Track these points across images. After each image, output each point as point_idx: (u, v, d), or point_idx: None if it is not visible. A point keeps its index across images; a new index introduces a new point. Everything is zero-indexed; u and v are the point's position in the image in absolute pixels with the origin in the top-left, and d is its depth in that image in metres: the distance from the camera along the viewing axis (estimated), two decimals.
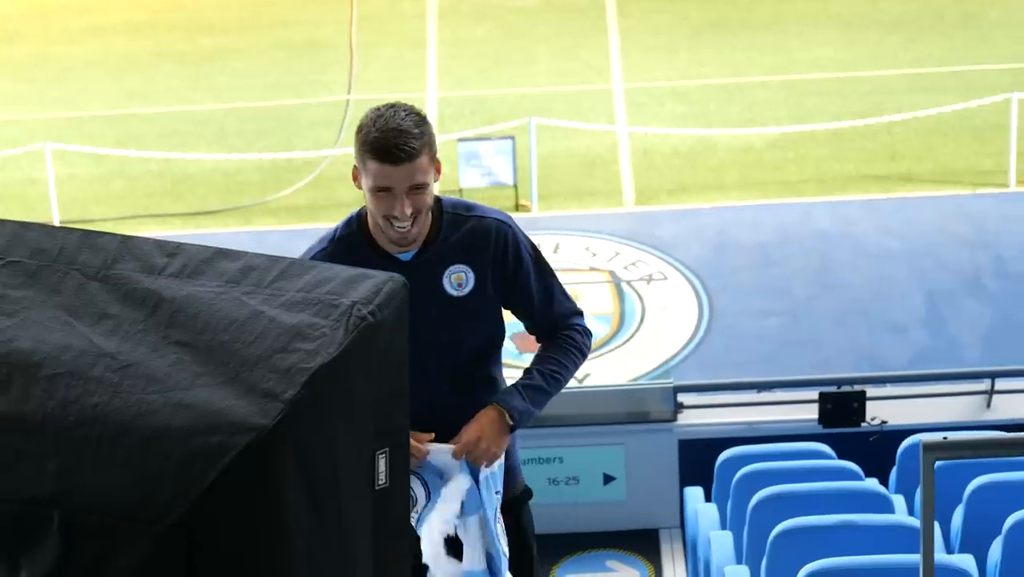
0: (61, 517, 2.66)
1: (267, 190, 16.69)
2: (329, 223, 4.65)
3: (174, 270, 2.87)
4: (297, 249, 4.57)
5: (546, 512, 7.87)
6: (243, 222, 16.02)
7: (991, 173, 16.12)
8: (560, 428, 8.14)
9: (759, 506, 6.07)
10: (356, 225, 4.55)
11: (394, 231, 4.40)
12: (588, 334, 4.73)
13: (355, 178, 4.45)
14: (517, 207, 15.89)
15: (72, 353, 2.75)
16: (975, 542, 5.92)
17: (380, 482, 2.85)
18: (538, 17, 20.93)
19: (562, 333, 4.67)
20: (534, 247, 4.68)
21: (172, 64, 20.04)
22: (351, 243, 4.51)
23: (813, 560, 5.26)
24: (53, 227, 3.02)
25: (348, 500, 2.79)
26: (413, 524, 4.34)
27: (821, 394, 8.11)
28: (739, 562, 6.26)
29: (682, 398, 8.27)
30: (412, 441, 4.14)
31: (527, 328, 4.76)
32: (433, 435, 4.43)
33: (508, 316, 4.73)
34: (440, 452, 4.42)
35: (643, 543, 8.16)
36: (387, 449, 2.87)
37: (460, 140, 16.31)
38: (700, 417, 8.27)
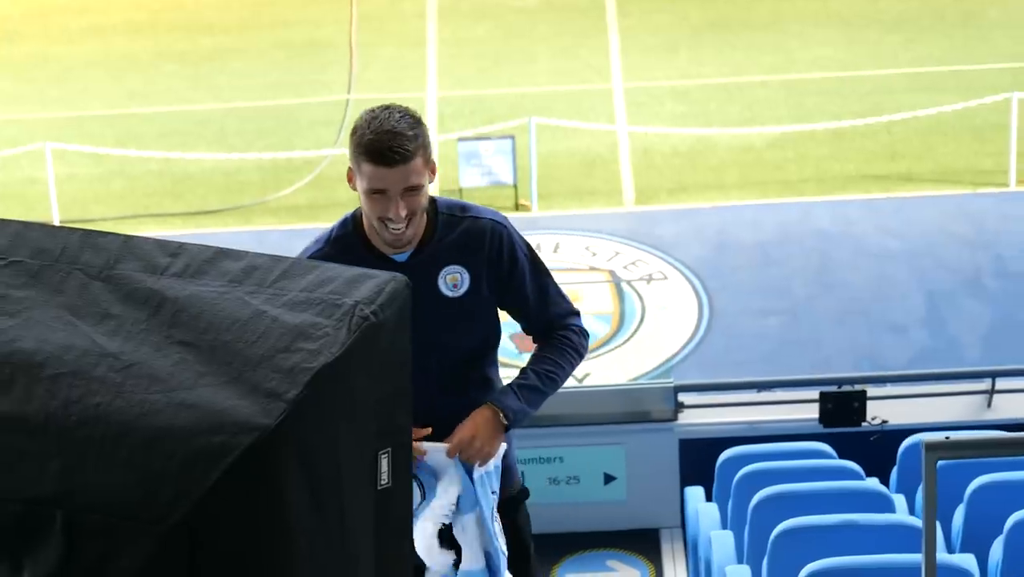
0: (64, 517, 2.66)
1: (267, 190, 16.69)
2: (329, 223, 4.65)
3: (177, 270, 2.87)
4: (297, 249, 4.57)
5: (547, 512, 7.90)
6: (243, 222, 16.02)
7: (991, 173, 16.12)
8: (560, 428, 8.14)
9: (760, 506, 6.07)
10: (351, 226, 4.55)
11: (389, 233, 4.40)
12: (585, 334, 4.72)
13: (350, 179, 4.45)
14: (517, 207, 15.90)
15: (75, 353, 2.75)
16: (976, 542, 5.92)
17: (382, 482, 2.85)
18: (538, 16, 20.94)
19: (558, 333, 4.66)
20: (529, 247, 4.68)
21: (172, 64, 20.04)
22: (346, 244, 4.50)
23: (814, 560, 5.26)
24: (55, 227, 3.02)
25: (350, 500, 2.79)
26: None
27: (822, 394, 8.11)
28: (740, 562, 6.26)
29: (683, 398, 8.27)
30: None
31: (523, 329, 4.75)
32: (430, 430, 4.42)
33: (506, 316, 4.73)
34: (435, 451, 4.42)
35: (644, 543, 8.16)
36: (389, 449, 2.87)
37: (460, 140, 16.31)
38: (701, 417, 8.27)
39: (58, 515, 2.66)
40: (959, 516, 6.15)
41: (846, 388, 8.16)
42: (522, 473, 7.91)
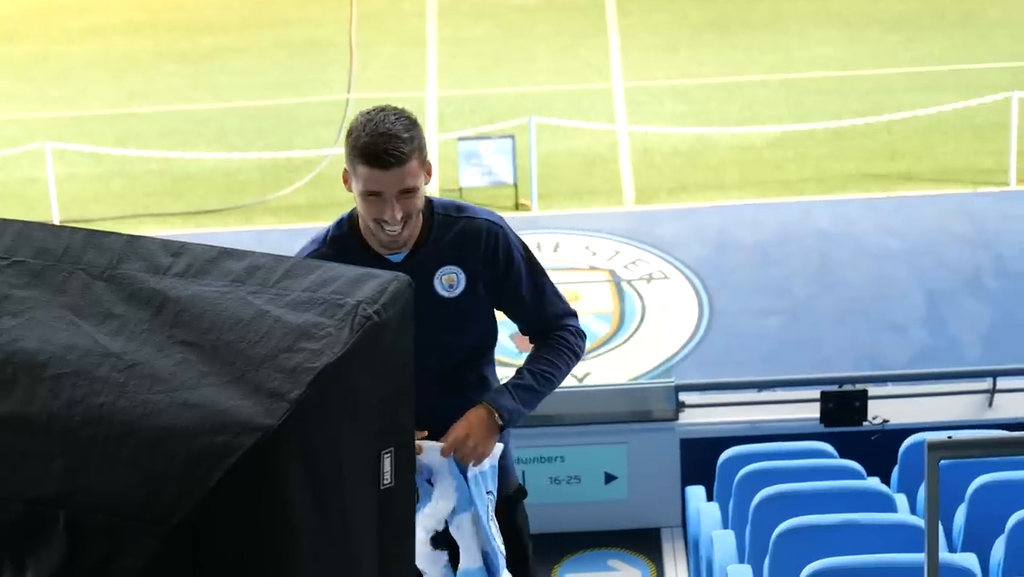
0: (67, 517, 2.66)
1: (267, 189, 16.69)
2: (329, 222, 4.65)
3: (179, 270, 2.87)
4: (296, 249, 4.57)
5: (548, 511, 7.91)
6: (243, 221, 16.02)
7: (991, 172, 16.12)
8: (562, 427, 8.14)
9: (761, 505, 6.07)
10: (347, 226, 4.54)
11: (384, 235, 4.40)
12: (582, 335, 4.71)
13: (345, 181, 4.44)
14: (517, 206, 15.90)
15: (77, 353, 2.75)
16: (977, 541, 5.92)
17: (385, 482, 2.85)
18: (538, 16, 20.93)
19: (555, 334, 4.66)
20: (526, 247, 4.67)
21: (172, 63, 20.04)
22: (342, 244, 4.50)
23: (816, 559, 5.25)
24: (58, 227, 3.02)
25: (353, 500, 2.79)
26: None
27: (823, 393, 8.11)
28: (741, 561, 6.25)
29: (684, 397, 8.27)
30: None
31: (520, 329, 4.74)
32: (426, 433, 4.42)
33: (504, 316, 4.73)
34: (430, 450, 4.42)
35: (645, 542, 8.16)
36: (392, 449, 2.87)
37: (460, 139, 16.31)
38: (702, 416, 8.27)
39: (61, 515, 2.66)
40: (960, 515, 6.15)
41: (847, 388, 8.16)
42: (523, 473, 7.96)
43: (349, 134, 4.37)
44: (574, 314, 4.73)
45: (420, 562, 4.42)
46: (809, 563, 5.25)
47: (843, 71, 18.87)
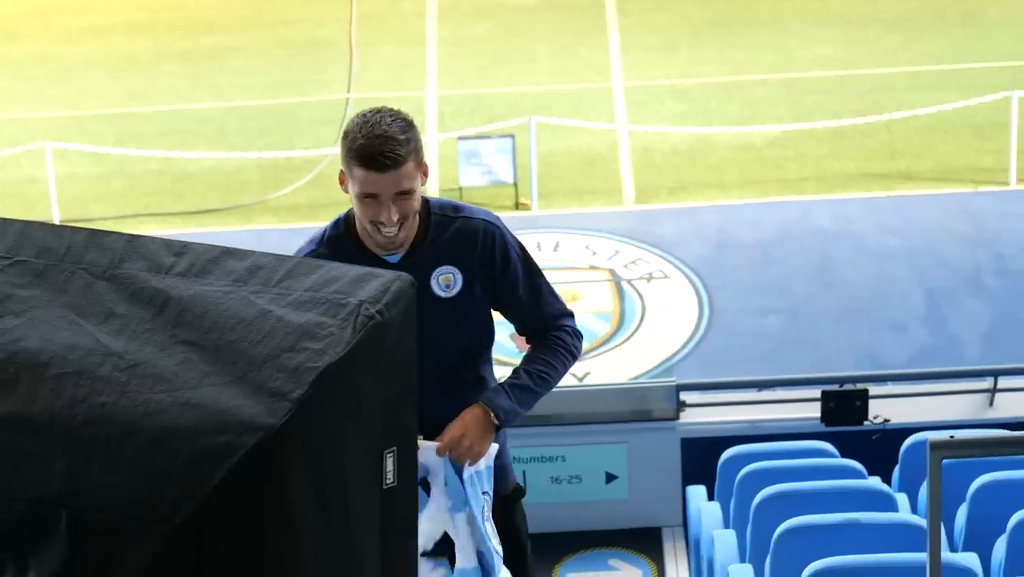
0: (69, 516, 2.66)
1: (267, 189, 16.69)
2: (328, 221, 4.64)
3: (181, 269, 2.87)
4: (294, 248, 4.56)
5: (549, 511, 7.92)
6: (243, 221, 16.02)
7: (991, 171, 16.12)
8: (562, 427, 8.14)
9: (763, 505, 6.06)
10: (344, 227, 4.53)
11: (381, 236, 4.39)
12: (578, 336, 4.70)
13: (342, 182, 4.44)
14: (517, 205, 15.89)
15: (79, 352, 2.75)
16: (979, 540, 5.91)
17: (388, 481, 2.85)
18: (538, 15, 20.93)
19: (552, 334, 4.64)
20: (522, 248, 4.66)
21: (172, 63, 20.04)
22: (339, 245, 4.49)
23: (817, 559, 5.25)
24: (60, 226, 3.02)
25: (356, 499, 2.79)
26: None
27: (823, 393, 8.10)
28: (742, 561, 6.24)
29: (684, 396, 8.27)
30: None
31: (517, 329, 4.73)
32: (422, 435, 4.42)
33: (501, 316, 4.72)
34: (426, 449, 4.41)
35: (646, 542, 8.16)
36: (395, 448, 2.87)
37: (460, 138, 16.31)
38: (702, 416, 8.26)
39: (63, 515, 2.66)
40: (962, 515, 6.15)
41: (848, 387, 8.16)
42: (523, 473, 7.98)
43: (345, 136, 4.35)
44: (571, 314, 4.72)
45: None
46: (810, 562, 5.24)
47: (843, 70, 18.87)
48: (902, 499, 6.44)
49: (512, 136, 16.16)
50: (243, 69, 19.77)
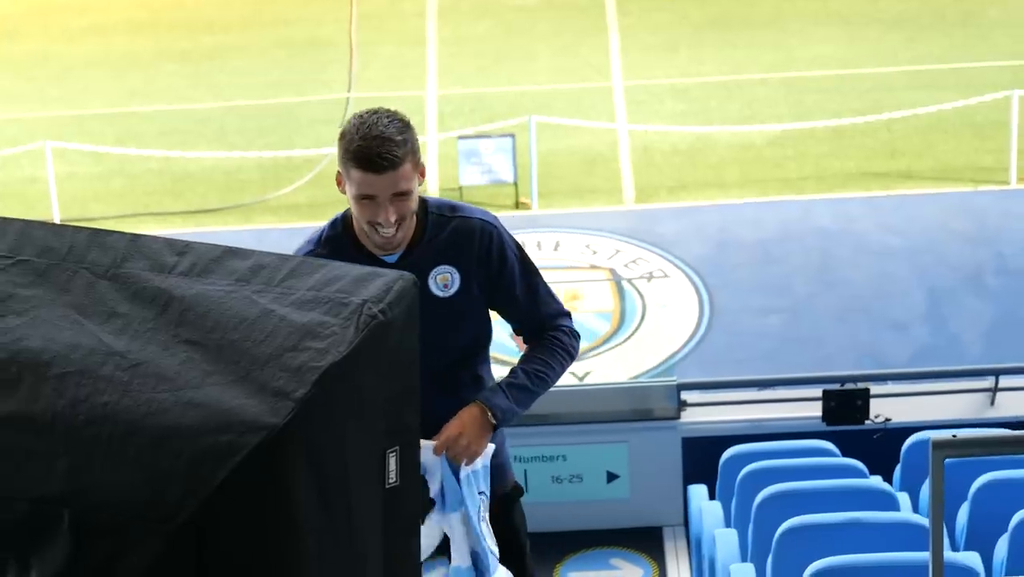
0: (71, 516, 2.66)
1: (267, 188, 16.69)
2: (326, 221, 4.64)
3: (184, 269, 2.86)
4: (293, 248, 4.56)
5: (550, 510, 7.92)
6: (243, 220, 16.02)
7: (992, 170, 16.12)
8: (563, 426, 8.14)
9: (764, 504, 6.06)
10: (341, 227, 4.54)
11: (379, 236, 4.39)
12: (576, 336, 4.70)
13: (339, 183, 4.44)
14: (517, 205, 15.90)
15: (82, 352, 2.75)
16: (980, 540, 5.91)
17: (390, 480, 2.85)
18: (538, 15, 20.93)
19: (549, 334, 4.65)
20: (519, 247, 4.66)
21: (173, 62, 20.04)
22: (337, 244, 4.49)
23: (819, 558, 5.25)
24: (62, 226, 3.02)
25: (358, 498, 2.78)
26: None
27: (825, 392, 8.10)
28: (744, 560, 6.24)
29: (685, 396, 8.27)
30: None
31: (514, 329, 4.74)
32: None
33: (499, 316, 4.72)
34: (423, 448, 4.42)
35: (647, 541, 8.15)
36: (397, 447, 2.87)
37: (460, 138, 16.31)
38: (704, 415, 8.26)
39: (66, 514, 2.66)
40: (963, 514, 6.14)
41: (849, 386, 8.15)
42: (524, 472, 7.98)
43: (342, 137, 4.35)
44: (568, 314, 4.72)
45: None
46: (812, 562, 5.24)
47: (843, 70, 18.87)
48: (903, 498, 6.43)
49: (512, 135, 16.16)
50: (243, 69, 19.77)
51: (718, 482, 7.10)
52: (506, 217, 14.44)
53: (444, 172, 16.53)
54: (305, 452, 2.67)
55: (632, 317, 13.32)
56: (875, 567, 5.17)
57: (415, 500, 2.98)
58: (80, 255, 2.90)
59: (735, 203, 15.73)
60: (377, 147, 4.25)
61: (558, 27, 20.50)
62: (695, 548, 7.34)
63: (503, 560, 4.57)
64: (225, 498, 2.60)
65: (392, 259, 4.45)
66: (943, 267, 13.87)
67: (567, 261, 14.24)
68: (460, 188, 15.70)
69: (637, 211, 15.78)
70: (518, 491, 4.84)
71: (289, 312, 2.76)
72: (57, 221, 14.24)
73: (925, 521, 5.61)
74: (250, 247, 2.94)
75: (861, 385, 8.16)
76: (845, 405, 8.02)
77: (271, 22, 21.01)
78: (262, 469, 2.62)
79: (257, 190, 16.68)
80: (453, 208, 4.58)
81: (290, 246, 4.54)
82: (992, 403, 8.21)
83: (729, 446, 7.12)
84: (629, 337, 12.98)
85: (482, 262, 4.54)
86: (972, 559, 5.41)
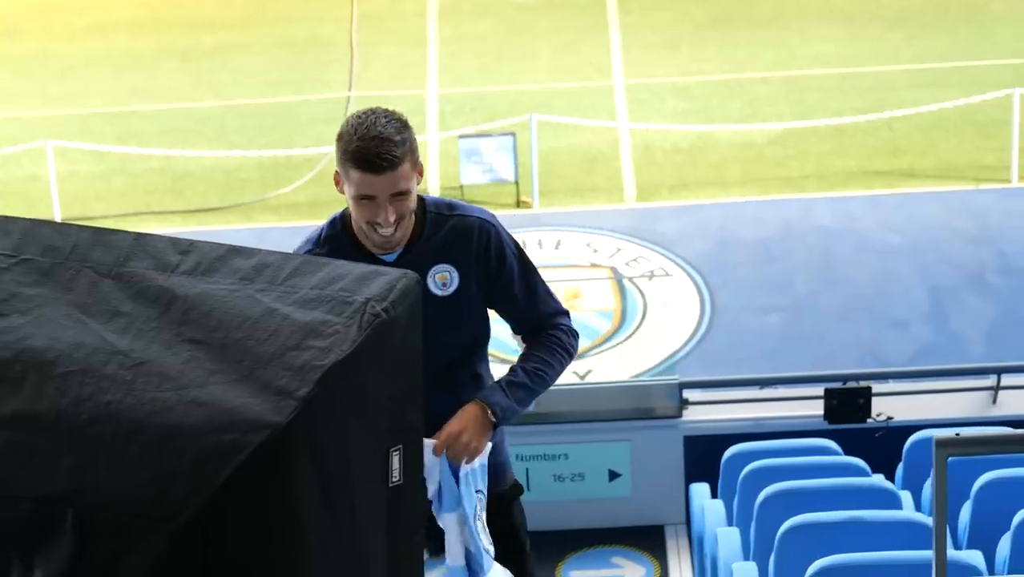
0: (75, 515, 2.66)
1: (268, 187, 16.69)
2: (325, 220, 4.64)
3: (187, 267, 2.86)
4: (293, 248, 4.56)
5: (551, 508, 7.92)
6: (244, 219, 16.02)
7: (994, 168, 16.12)
8: (565, 424, 8.14)
9: (767, 502, 6.06)
10: (340, 226, 4.54)
11: (378, 236, 4.39)
12: (575, 335, 4.70)
13: (337, 183, 4.44)
14: (518, 204, 15.89)
15: (85, 351, 2.75)
16: (983, 538, 5.91)
17: (394, 479, 2.85)
18: (539, 13, 20.92)
19: (548, 333, 4.65)
20: (518, 246, 4.66)
21: (173, 61, 20.03)
22: (336, 244, 4.49)
23: (821, 556, 5.25)
24: (65, 224, 3.02)
25: (362, 497, 2.78)
26: None
27: (827, 390, 8.10)
28: (746, 559, 6.24)
29: (687, 394, 8.27)
30: None
31: (513, 328, 4.74)
32: None
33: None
34: (424, 447, 4.41)
35: (649, 539, 8.15)
36: (401, 446, 2.86)
37: (461, 137, 16.31)
38: (706, 413, 8.26)
39: (69, 513, 2.66)
40: (966, 512, 6.14)
41: (851, 385, 8.15)
42: (526, 470, 7.98)
43: (340, 138, 4.35)
44: (566, 313, 4.72)
45: None
46: (814, 560, 5.24)
47: (845, 68, 18.86)
48: (906, 497, 6.43)
49: (513, 134, 16.16)
50: (244, 67, 19.77)
51: (720, 480, 7.10)
52: (507, 216, 14.45)
53: (445, 171, 16.53)
54: (308, 451, 2.66)
55: (633, 316, 13.32)
56: (877, 566, 5.17)
57: (418, 498, 2.99)
58: (84, 254, 2.90)
59: (736, 202, 15.73)
60: (376, 147, 4.25)
61: (559, 26, 20.49)
62: (697, 547, 7.34)
63: (503, 559, 4.57)
64: (229, 497, 2.60)
65: (391, 258, 4.45)
66: (945, 265, 13.86)
67: (568, 260, 14.24)
68: (461, 187, 15.70)
69: (638, 210, 15.78)
70: (518, 489, 4.84)
71: (292, 311, 2.76)
72: (58, 220, 14.25)
73: (927, 520, 5.61)
74: (251, 246, 2.94)
75: (863, 383, 8.16)
76: (847, 404, 8.02)
77: (272, 21, 21.01)
78: (266, 468, 2.62)
79: (257, 189, 16.68)
80: (451, 207, 4.58)
81: (291, 245, 4.54)
82: (994, 402, 8.21)
83: (731, 445, 7.13)
84: (630, 336, 12.98)
85: (480, 261, 4.54)
86: (975, 557, 5.41)
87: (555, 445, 8.16)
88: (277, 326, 2.74)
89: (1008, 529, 5.67)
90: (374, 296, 2.78)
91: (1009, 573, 5.59)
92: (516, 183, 16.01)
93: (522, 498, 4.88)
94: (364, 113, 4.33)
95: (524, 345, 4.71)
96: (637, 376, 12.06)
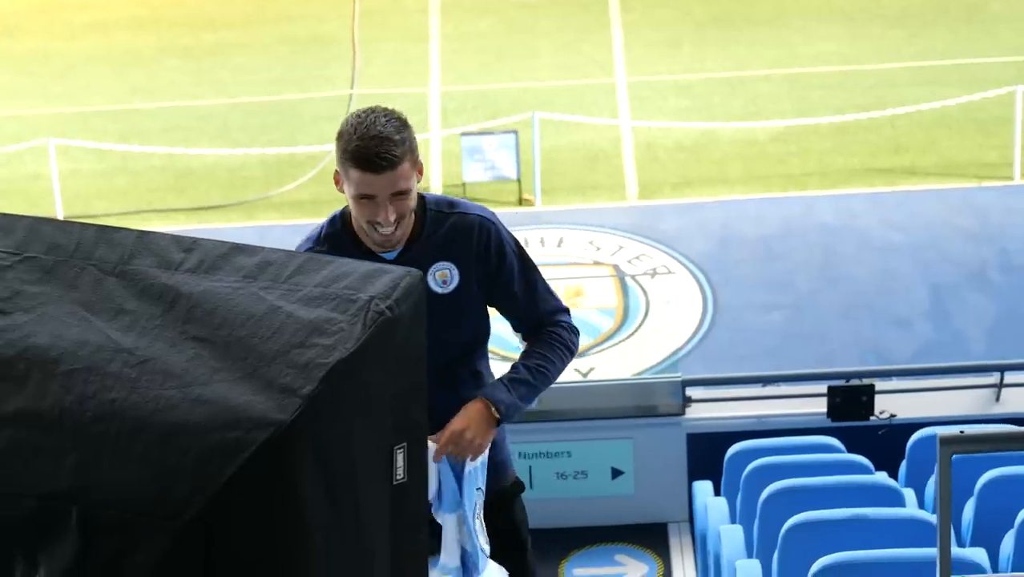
0: (79, 513, 2.66)
1: (270, 185, 16.69)
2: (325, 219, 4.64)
3: (191, 265, 2.86)
4: (293, 246, 4.55)
5: (554, 506, 7.92)
6: (246, 217, 16.02)
7: (995, 166, 16.11)
8: (568, 422, 8.13)
9: (770, 500, 6.06)
10: (340, 224, 4.54)
11: (378, 235, 4.40)
12: (575, 332, 4.71)
13: (337, 183, 4.44)
14: (520, 201, 15.89)
15: (89, 349, 2.75)
16: (986, 536, 5.91)
17: (398, 477, 2.85)
18: (541, 11, 20.92)
19: (548, 330, 4.65)
20: (517, 244, 4.66)
21: (175, 59, 20.03)
22: (336, 242, 4.50)
23: (825, 554, 5.24)
24: (69, 222, 3.02)
25: (366, 495, 2.78)
26: None
27: (830, 388, 8.09)
28: (750, 556, 6.24)
29: (690, 392, 8.26)
30: None
31: (513, 326, 4.74)
32: None
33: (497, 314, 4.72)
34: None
35: (652, 537, 8.15)
36: (404, 444, 2.87)
37: (463, 134, 16.30)
38: (708, 411, 8.25)
39: (73, 511, 2.66)
40: (969, 510, 6.14)
41: (854, 382, 8.15)
42: (529, 468, 7.97)
43: (339, 137, 4.36)
44: (566, 310, 4.73)
45: None
46: (818, 558, 5.24)
47: (846, 66, 18.86)
48: (909, 494, 6.43)
49: (515, 132, 16.15)
50: (246, 65, 19.77)
51: (723, 478, 7.10)
52: (509, 214, 14.46)
53: (447, 169, 16.52)
54: (312, 448, 2.66)
55: (635, 313, 13.31)
56: (881, 563, 5.17)
57: (422, 496, 2.99)
58: (87, 252, 2.90)
59: (738, 199, 15.72)
60: (375, 147, 4.26)
61: (561, 23, 20.49)
62: (700, 544, 7.34)
63: (505, 556, 4.58)
64: (233, 495, 2.60)
65: (391, 256, 4.45)
66: (947, 263, 13.86)
67: (570, 257, 14.24)
68: (463, 185, 15.70)
69: (640, 207, 15.77)
70: (519, 486, 4.84)
71: (296, 308, 2.76)
72: (61, 218, 14.25)
73: (931, 517, 5.61)
74: (254, 244, 2.94)
75: (866, 381, 8.15)
76: (850, 401, 8.01)
77: (274, 19, 21.01)
78: (269, 465, 2.62)
79: (260, 187, 16.68)
80: (451, 204, 4.59)
81: (293, 243, 4.54)
82: (997, 399, 8.20)
83: (734, 442, 7.12)
84: (633, 333, 12.98)
85: (480, 258, 4.54)
86: (978, 555, 5.41)
87: (558, 443, 8.16)
88: (281, 324, 2.74)
89: (1012, 527, 5.67)
90: (378, 294, 2.78)
91: (1013, 571, 5.59)
92: (518, 181, 16.01)
93: (525, 496, 4.88)
94: (363, 112, 4.34)
95: (525, 343, 4.71)
96: (640, 374, 12.06)
